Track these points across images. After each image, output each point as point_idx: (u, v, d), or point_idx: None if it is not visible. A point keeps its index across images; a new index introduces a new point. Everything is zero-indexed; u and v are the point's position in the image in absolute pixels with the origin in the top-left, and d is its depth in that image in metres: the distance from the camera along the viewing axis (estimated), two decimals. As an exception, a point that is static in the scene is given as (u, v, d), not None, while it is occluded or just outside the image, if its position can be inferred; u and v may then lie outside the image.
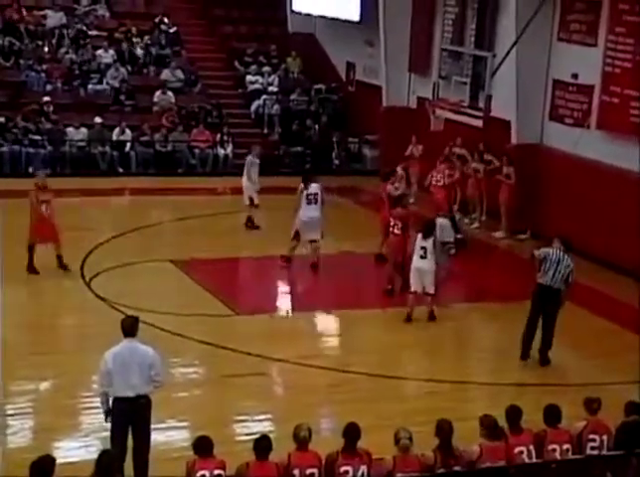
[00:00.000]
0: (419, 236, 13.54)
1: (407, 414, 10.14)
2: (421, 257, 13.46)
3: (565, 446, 8.13)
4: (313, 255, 15.66)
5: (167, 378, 10.86)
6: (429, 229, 13.64)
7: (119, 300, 13.51)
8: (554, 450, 8.10)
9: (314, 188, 15.70)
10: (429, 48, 21.06)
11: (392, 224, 14.52)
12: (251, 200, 17.67)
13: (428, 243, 13.45)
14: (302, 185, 15.65)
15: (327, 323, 14.43)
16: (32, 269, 14.43)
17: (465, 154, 19.34)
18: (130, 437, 8.70)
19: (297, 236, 15.66)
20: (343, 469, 7.57)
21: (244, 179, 17.70)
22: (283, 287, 15.88)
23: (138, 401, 8.54)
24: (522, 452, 7.98)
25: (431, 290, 13.52)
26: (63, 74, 22.96)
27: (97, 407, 10.49)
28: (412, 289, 13.60)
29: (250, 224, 17.76)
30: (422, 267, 13.45)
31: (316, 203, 15.62)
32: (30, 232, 14.44)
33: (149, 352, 8.66)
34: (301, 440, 7.65)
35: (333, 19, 23.45)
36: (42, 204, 14.42)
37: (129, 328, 8.66)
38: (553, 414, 8.27)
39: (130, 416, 8.60)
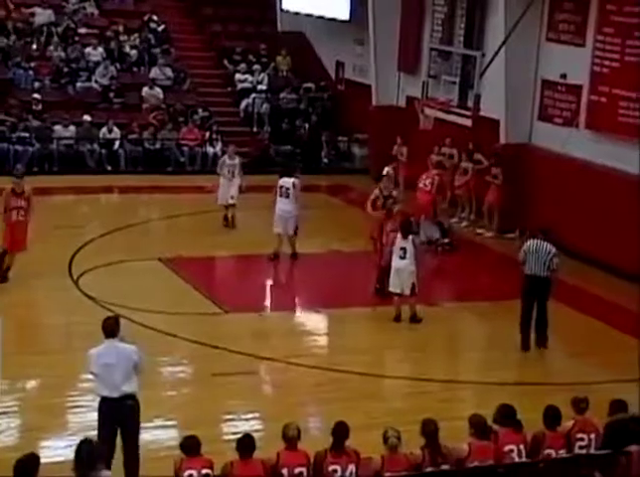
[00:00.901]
0: (398, 236, 13.45)
1: (396, 413, 10.14)
2: (401, 258, 13.35)
3: (561, 451, 8.10)
4: (291, 247, 15.90)
5: (153, 374, 10.94)
6: (407, 228, 13.55)
7: (107, 299, 13.47)
8: (549, 455, 8.06)
9: (285, 181, 15.85)
10: (419, 47, 21.08)
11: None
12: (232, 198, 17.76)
13: (408, 244, 13.36)
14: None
15: (316, 322, 14.42)
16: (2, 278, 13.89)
17: (455, 153, 19.36)
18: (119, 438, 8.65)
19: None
20: (331, 468, 7.56)
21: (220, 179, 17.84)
22: (272, 286, 15.87)
23: (124, 402, 8.49)
24: (512, 451, 7.96)
25: (407, 292, 13.40)
26: (51, 71, 22.88)
27: (85, 406, 10.54)
28: (391, 289, 13.52)
29: (226, 222, 17.85)
30: (402, 268, 13.36)
31: (287, 196, 15.73)
32: (3, 237, 14.00)
33: (132, 350, 8.62)
34: (290, 439, 7.64)
35: (322, 18, 23.44)
36: (13, 210, 13.75)
37: (110, 329, 8.61)
38: (553, 417, 8.17)
39: (116, 417, 8.53)
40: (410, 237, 13.45)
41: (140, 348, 8.76)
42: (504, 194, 18.07)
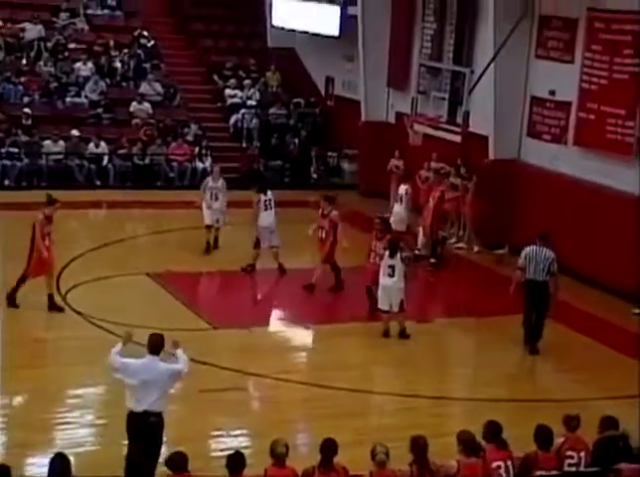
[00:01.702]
0: (386, 254, 13.47)
1: (385, 430, 10.11)
2: (389, 276, 13.36)
3: (553, 472, 8.08)
4: (276, 261, 16.03)
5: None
6: (395, 246, 13.53)
7: (95, 314, 13.44)
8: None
9: (269, 194, 16.16)
10: (408, 63, 21.15)
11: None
12: (217, 221, 17.18)
13: (396, 262, 13.34)
14: (258, 195, 16.10)
15: (305, 338, 14.38)
16: (12, 302, 13.76)
17: (444, 167, 19.36)
18: None
19: (258, 244, 16.00)
20: (320, 486, 7.53)
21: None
22: (261, 302, 15.83)
23: (148, 419, 8.62)
24: (499, 467, 7.94)
25: (396, 309, 13.43)
26: (40, 86, 22.85)
27: (72, 423, 10.50)
28: (380, 307, 13.54)
29: (210, 247, 17.17)
30: (390, 285, 13.35)
31: (271, 208, 15.99)
32: (29, 265, 13.71)
33: (169, 369, 8.77)
34: (278, 455, 7.61)
35: (312, 34, 23.50)
36: (46, 237, 13.69)
37: (154, 346, 8.73)
38: (545, 437, 8.12)
39: (139, 432, 8.66)
40: (399, 254, 13.44)
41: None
42: (478, 208, 18.08)
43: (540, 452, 8.07)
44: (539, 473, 7.97)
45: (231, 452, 7.63)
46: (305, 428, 10.82)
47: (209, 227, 17.07)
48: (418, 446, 7.81)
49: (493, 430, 8.10)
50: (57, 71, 23.33)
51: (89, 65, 23.57)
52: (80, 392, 11.46)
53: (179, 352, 8.97)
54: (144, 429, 8.64)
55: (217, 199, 17.09)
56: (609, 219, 16.00)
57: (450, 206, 18.86)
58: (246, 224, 17.51)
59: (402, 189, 18.46)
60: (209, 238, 17.12)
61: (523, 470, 7.99)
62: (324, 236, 15.48)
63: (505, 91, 18.09)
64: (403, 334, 13.56)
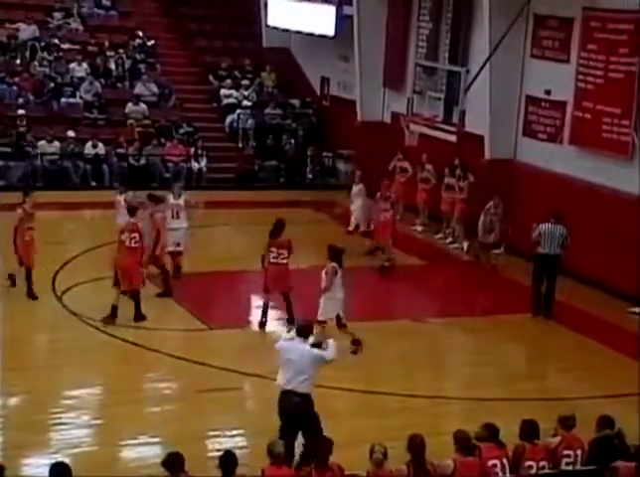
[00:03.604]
0: (337, 266, 12.62)
1: (382, 430, 10.08)
2: (342, 286, 12.68)
3: (542, 463, 8.11)
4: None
5: (137, 391, 10.89)
6: (341, 255, 12.73)
7: (91, 315, 13.40)
8: (530, 467, 8.07)
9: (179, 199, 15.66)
10: (404, 63, 21.14)
11: (274, 253, 13.47)
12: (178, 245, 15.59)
13: (340, 271, 12.65)
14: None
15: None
16: (32, 294, 14.11)
17: (431, 170, 19.38)
18: None
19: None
20: (316, 485, 7.53)
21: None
22: (257, 302, 15.79)
23: (292, 397, 9.17)
24: (495, 465, 7.95)
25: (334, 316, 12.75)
26: (35, 87, 22.81)
27: (67, 423, 10.47)
28: (321, 318, 12.69)
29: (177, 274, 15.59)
30: (332, 296, 12.69)
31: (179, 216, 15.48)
32: (21, 257, 14.12)
33: (312, 353, 9.29)
34: (276, 455, 7.59)
35: (308, 34, 23.49)
36: (28, 231, 14.14)
37: (303, 329, 9.45)
38: (530, 430, 8.21)
39: (285, 409, 9.18)
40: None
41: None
42: (470, 207, 18.10)
43: (527, 445, 8.11)
44: (527, 463, 8.01)
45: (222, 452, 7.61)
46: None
47: (170, 252, 15.40)
48: (416, 445, 7.80)
49: (491, 432, 8.10)
50: (51, 71, 23.29)
51: (84, 65, 23.54)
52: (75, 392, 11.42)
53: (330, 341, 9.62)
54: (289, 408, 9.17)
55: (178, 217, 15.50)
56: (605, 218, 16.01)
57: (446, 206, 18.89)
58: (240, 224, 17.51)
59: (356, 188, 18.22)
60: (178, 262, 15.57)
61: (513, 463, 8.02)
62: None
63: (500, 91, 18.10)
64: (356, 345, 12.88)
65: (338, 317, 12.68)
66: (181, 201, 15.61)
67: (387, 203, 16.93)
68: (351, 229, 17.90)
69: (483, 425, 8.19)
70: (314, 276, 16.13)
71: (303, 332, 9.46)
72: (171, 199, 15.59)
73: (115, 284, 13.69)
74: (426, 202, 19.48)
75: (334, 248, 12.78)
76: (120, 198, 15.71)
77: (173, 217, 15.40)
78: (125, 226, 13.57)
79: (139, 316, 13.42)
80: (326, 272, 12.63)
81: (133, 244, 13.38)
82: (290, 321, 13.34)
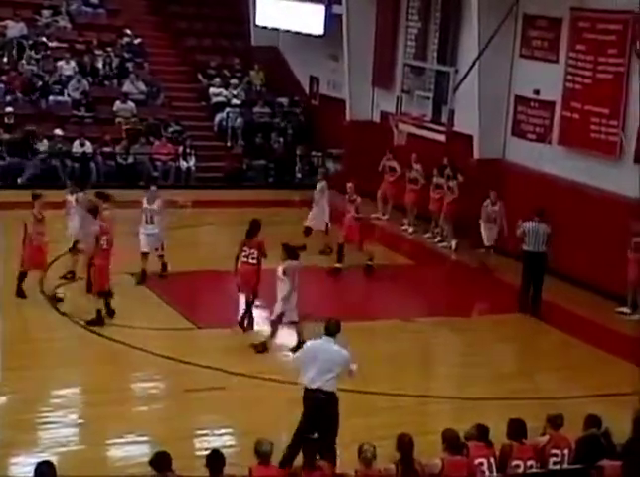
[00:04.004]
0: (290, 261, 12.63)
1: (371, 429, 10.08)
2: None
3: (529, 463, 8.14)
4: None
5: (125, 390, 10.86)
6: (296, 253, 12.81)
7: (79, 314, 13.36)
8: (517, 467, 8.09)
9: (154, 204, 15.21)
10: (392, 62, 21.15)
11: (246, 252, 13.26)
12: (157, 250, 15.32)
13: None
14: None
15: (290, 336, 14.31)
16: (21, 293, 13.99)
17: (420, 169, 19.37)
18: None
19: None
20: (305, 484, 7.53)
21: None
22: (244, 301, 15.76)
23: (317, 396, 9.18)
24: (482, 464, 7.97)
25: (296, 318, 12.88)
26: (23, 85, 22.71)
27: (55, 422, 10.43)
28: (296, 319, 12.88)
29: (145, 276, 15.20)
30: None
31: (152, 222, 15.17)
32: (23, 259, 14.03)
33: (340, 353, 9.32)
34: (263, 454, 7.58)
35: (297, 33, 23.47)
36: (38, 235, 14.01)
37: (331, 328, 9.41)
38: (518, 429, 8.24)
39: (311, 407, 9.21)
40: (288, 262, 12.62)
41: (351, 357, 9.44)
42: (458, 207, 18.10)
43: (514, 444, 8.13)
44: (515, 463, 8.03)
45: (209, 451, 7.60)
46: (290, 427, 10.74)
47: (145, 254, 15.16)
48: (405, 445, 7.80)
49: (482, 433, 8.11)
50: (39, 69, 23.19)
51: (72, 63, 23.45)
52: (63, 392, 11.39)
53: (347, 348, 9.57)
54: (316, 405, 9.19)
55: (152, 222, 15.16)
56: (593, 218, 16.04)
57: (434, 206, 18.90)
58: (229, 223, 17.46)
59: (319, 186, 18.00)
60: (144, 266, 15.21)
61: (500, 463, 8.05)
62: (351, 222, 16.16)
63: (489, 91, 18.13)
64: (262, 347, 12.85)
65: (281, 315, 12.78)
66: (155, 205, 15.17)
67: (352, 205, 16.51)
68: (308, 225, 17.67)
69: (474, 426, 8.20)
70: (302, 276, 16.21)
71: (331, 331, 9.42)
72: (145, 203, 15.22)
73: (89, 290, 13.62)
74: (415, 202, 19.49)
75: (289, 247, 12.76)
76: (71, 197, 15.24)
77: (147, 221, 15.10)
78: (100, 228, 13.35)
79: (109, 312, 13.39)
80: (284, 272, 12.56)
81: (106, 246, 13.27)
82: (241, 324, 13.21)
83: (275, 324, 12.90)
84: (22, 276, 14.03)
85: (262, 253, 13.12)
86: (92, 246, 13.60)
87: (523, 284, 15.12)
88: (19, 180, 20.88)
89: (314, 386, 9.22)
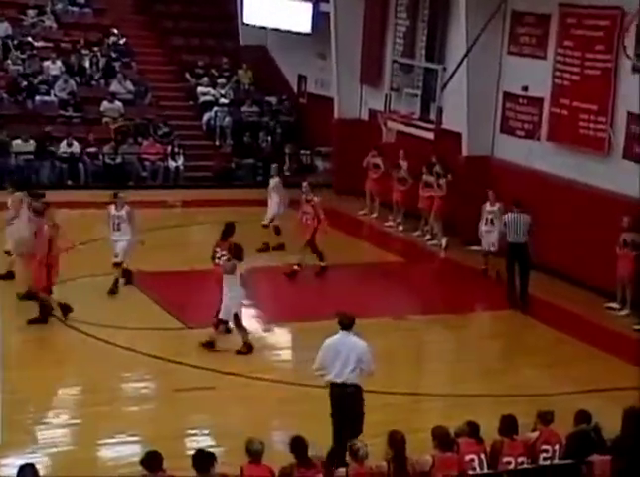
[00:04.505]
0: (238, 263, 12.54)
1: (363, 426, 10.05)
2: (242, 286, 12.59)
3: (520, 459, 8.15)
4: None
5: (115, 390, 10.83)
6: (242, 252, 12.65)
7: (69, 315, 13.28)
8: (508, 463, 8.10)
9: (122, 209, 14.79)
10: (381, 60, 21.13)
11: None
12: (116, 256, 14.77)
13: (244, 269, 12.55)
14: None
15: (280, 335, 14.32)
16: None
17: (404, 166, 19.36)
18: None
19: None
20: (302, 482, 7.52)
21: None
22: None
23: (345, 389, 9.33)
24: (472, 460, 7.97)
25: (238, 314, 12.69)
26: (8, 85, 22.60)
27: (46, 423, 10.39)
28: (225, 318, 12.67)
29: (114, 289, 14.63)
30: (243, 295, 12.65)
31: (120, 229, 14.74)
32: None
33: (360, 344, 9.44)
34: (254, 453, 7.56)
35: (284, 31, 23.44)
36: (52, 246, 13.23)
37: (345, 322, 9.51)
38: (509, 426, 8.25)
39: (339, 401, 9.35)
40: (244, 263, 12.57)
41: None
42: (448, 205, 18.08)
43: (505, 440, 8.14)
44: (505, 459, 8.04)
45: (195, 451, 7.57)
46: (281, 426, 10.76)
47: (116, 264, 14.74)
48: (396, 442, 7.80)
49: (472, 430, 8.11)
50: (25, 69, 23.09)
51: (58, 63, 23.36)
52: (53, 392, 11.34)
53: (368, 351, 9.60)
54: (343, 399, 9.33)
55: (119, 229, 14.64)
56: (583, 214, 16.06)
57: (424, 203, 18.90)
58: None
59: (273, 182, 17.81)
60: (117, 275, 14.76)
61: (491, 459, 8.06)
62: (308, 221, 15.77)
63: (478, 88, 18.12)
64: (246, 348, 12.74)
65: (236, 315, 12.65)
66: (123, 212, 14.65)
67: (309, 205, 16.12)
68: (266, 222, 17.55)
69: (465, 422, 8.21)
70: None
71: (346, 324, 9.52)
72: (113, 210, 14.76)
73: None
74: (402, 201, 19.46)
75: (236, 247, 12.68)
76: (16, 198, 14.78)
77: (114, 229, 14.61)
78: (42, 228, 13.13)
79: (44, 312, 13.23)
80: (225, 270, 12.55)
81: (46, 247, 13.08)
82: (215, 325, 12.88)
83: (239, 325, 12.73)
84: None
85: (232, 255, 12.79)
86: (42, 247, 13.24)
87: (508, 278, 15.17)
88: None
89: (340, 380, 9.35)
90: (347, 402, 9.36)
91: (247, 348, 12.74)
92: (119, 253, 14.66)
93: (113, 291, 14.54)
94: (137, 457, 7.95)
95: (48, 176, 21.07)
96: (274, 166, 18.85)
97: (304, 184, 16.53)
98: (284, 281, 15.83)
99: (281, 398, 11.46)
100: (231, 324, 12.83)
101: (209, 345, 12.66)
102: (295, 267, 16.06)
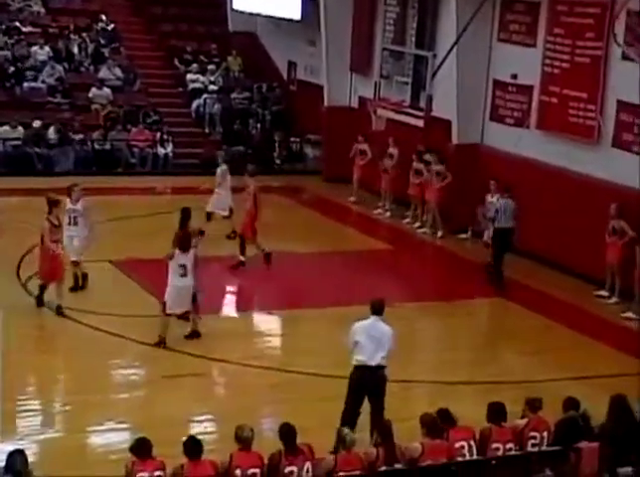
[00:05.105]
0: (177, 252, 12.25)
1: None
2: (181, 276, 12.20)
3: (509, 445, 8.19)
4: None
5: (104, 377, 10.74)
6: (187, 241, 12.37)
7: (57, 299, 13.24)
8: (497, 449, 8.14)
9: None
10: (370, 47, 21.09)
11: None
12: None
13: (188, 260, 12.23)
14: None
15: (269, 323, 14.33)
16: (41, 303, 13.19)
17: (396, 153, 19.34)
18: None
19: None
20: (288, 470, 7.53)
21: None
22: (224, 287, 15.73)
23: (377, 372, 9.54)
24: (462, 447, 8.01)
25: (190, 307, 12.40)
26: (-4, 70, 22.50)
27: (35, 410, 10.38)
28: (169, 311, 12.29)
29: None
30: (183, 286, 12.24)
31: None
32: (40, 271, 13.27)
33: (389, 331, 9.70)
34: (244, 440, 7.58)
35: (274, 18, 23.36)
36: (52, 243, 12.97)
37: (377, 307, 9.76)
38: (497, 412, 8.29)
39: (368, 383, 9.53)
40: (191, 251, 12.30)
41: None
42: (444, 193, 18.10)
43: (493, 427, 8.18)
44: (494, 446, 8.07)
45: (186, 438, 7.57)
46: (271, 413, 10.77)
47: (73, 262, 13.95)
48: (385, 429, 7.81)
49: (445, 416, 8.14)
50: (13, 55, 22.94)
51: (46, 49, 23.23)
52: (42, 379, 11.32)
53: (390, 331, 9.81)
54: (374, 382, 9.55)
55: (75, 224, 13.84)
56: (572, 202, 16.10)
57: (413, 191, 18.90)
58: (204, 209, 17.30)
59: (220, 170, 17.52)
60: (75, 271, 14.03)
61: (480, 445, 8.09)
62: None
63: (467, 75, 18.11)
64: (195, 333, 12.51)
65: (194, 301, 12.46)
66: (79, 206, 13.89)
67: (250, 196, 15.73)
68: (209, 210, 17.43)
69: (437, 411, 8.20)
70: (282, 262, 16.20)
71: (378, 309, 9.74)
72: (68, 203, 13.93)
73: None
74: (390, 189, 19.45)
75: (181, 236, 12.49)
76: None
77: (70, 223, 13.77)
78: None
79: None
80: (169, 258, 12.29)
81: None
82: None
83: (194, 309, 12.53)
84: (42, 288, 13.29)
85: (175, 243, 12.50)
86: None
87: (498, 261, 15.39)
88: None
89: (374, 363, 9.51)
90: (376, 384, 9.58)
91: (196, 335, 12.42)
92: (75, 253, 13.84)
93: (75, 288, 13.92)
94: (126, 444, 7.96)
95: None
96: (221, 153, 18.70)
97: (246, 177, 16.03)
98: (273, 268, 15.82)
99: (272, 385, 11.47)
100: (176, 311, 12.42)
101: (194, 335, 12.50)
102: (264, 252, 15.59)
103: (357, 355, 9.61)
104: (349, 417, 9.43)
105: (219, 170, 17.53)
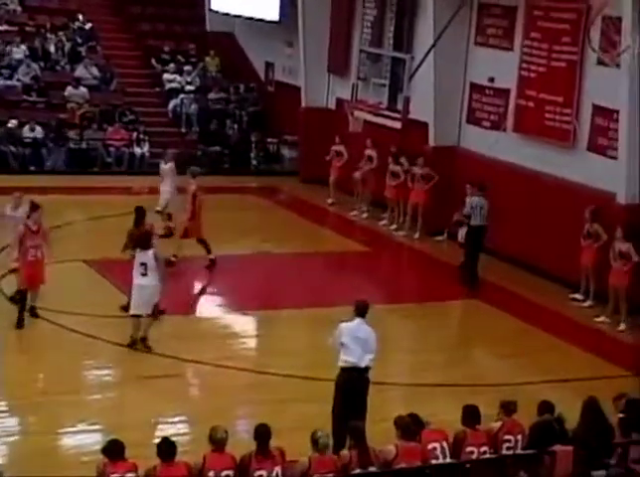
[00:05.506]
0: (137, 250, 12.12)
1: (326, 416, 10.02)
2: (142, 275, 11.97)
3: (483, 449, 8.18)
4: None
5: (78, 378, 10.65)
6: (146, 240, 12.19)
7: (31, 301, 13.13)
8: (471, 453, 8.12)
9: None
10: (348, 49, 21.10)
11: None
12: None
13: (148, 258, 12.01)
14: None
15: (244, 324, 14.28)
16: (21, 324, 12.55)
17: (374, 155, 19.36)
18: None
19: None
20: (257, 474, 7.48)
21: None
22: (200, 288, 15.68)
23: (363, 374, 9.57)
24: (435, 449, 7.99)
25: (149, 311, 12.12)
26: (-29, 69, 22.32)
27: (6, 411, 10.29)
28: (133, 312, 12.12)
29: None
30: (144, 285, 12.01)
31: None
32: (20, 276, 12.89)
33: (372, 332, 9.73)
34: (217, 442, 7.53)
35: (252, 18, 23.31)
36: (30, 249, 12.58)
37: (362, 309, 9.79)
38: (472, 415, 8.28)
39: (355, 385, 9.52)
40: (152, 250, 12.09)
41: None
42: (431, 195, 18.13)
43: (468, 430, 8.17)
44: (469, 449, 8.06)
45: (172, 439, 7.53)
46: (245, 415, 10.74)
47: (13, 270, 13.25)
48: (356, 431, 7.80)
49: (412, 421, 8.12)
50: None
51: (22, 47, 23.05)
52: (13, 380, 11.21)
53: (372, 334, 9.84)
54: (360, 383, 9.54)
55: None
56: (548, 205, 16.16)
57: (390, 193, 18.90)
58: (181, 211, 17.24)
59: (166, 167, 17.60)
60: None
61: (454, 449, 8.08)
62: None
63: (445, 78, 18.15)
64: (145, 342, 12.13)
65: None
66: (18, 213, 13.52)
67: (193, 200, 15.51)
68: (159, 209, 17.38)
69: (408, 414, 8.19)
70: (258, 262, 16.16)
71: (362, 311, 9.76)
72: (8, 210, 13.69)
73: None
74: (368, 191, 19.42)
75: (138, 235, 12.50)
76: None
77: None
78: None
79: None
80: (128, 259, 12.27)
81: None
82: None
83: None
84: (22, 294, 12.90)
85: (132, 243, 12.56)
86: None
87: (474, 260, 15.61)
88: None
89: (363, 365, 9.52)
90: (362, 386, 9.57)
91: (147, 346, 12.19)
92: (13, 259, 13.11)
93: (13, 298, 13.22)
94: (99, 445, 7.90)
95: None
96: (170, 151, 18.62)
97: (190, 181, 15.88)
98: (249, 269, 15.77)
99: (246, 386, 11.43)
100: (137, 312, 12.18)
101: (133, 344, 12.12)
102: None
103: (345, 356, 9.57)
104: (341, 421, 9.16)
105: (165, 167, 17.70)
